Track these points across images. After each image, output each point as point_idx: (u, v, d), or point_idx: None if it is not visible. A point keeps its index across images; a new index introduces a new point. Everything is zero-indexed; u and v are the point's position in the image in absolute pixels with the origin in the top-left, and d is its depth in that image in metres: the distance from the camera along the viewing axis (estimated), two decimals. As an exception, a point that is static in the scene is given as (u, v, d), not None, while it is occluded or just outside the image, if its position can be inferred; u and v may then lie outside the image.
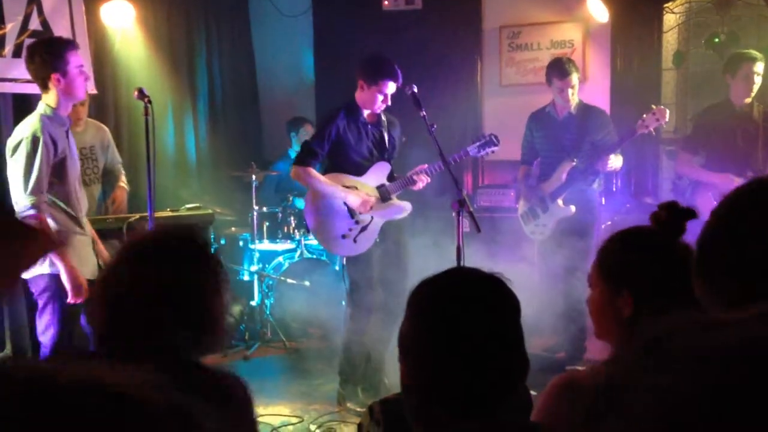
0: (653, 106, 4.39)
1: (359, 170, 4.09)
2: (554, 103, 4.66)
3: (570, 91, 4.51)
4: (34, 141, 3.12)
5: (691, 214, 1.55)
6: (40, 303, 3.24)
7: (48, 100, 3.24)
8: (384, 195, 4.12)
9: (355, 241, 4.07)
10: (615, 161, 4.46)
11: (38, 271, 3.20)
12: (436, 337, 1.24)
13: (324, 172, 4.13)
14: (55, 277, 3.19)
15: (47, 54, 3.19)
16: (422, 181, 4.07)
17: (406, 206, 4.19)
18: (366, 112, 4.05)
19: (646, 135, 4.53)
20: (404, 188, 4.12)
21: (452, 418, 1.23)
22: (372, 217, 4.09)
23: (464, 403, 1.22)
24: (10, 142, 3.21)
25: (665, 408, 0.47)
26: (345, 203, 4.05)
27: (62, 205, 3.24)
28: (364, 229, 4.08)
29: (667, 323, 0.56)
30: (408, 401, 1.30)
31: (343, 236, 4.07)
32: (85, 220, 3.38)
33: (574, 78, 4.51)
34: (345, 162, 4.07)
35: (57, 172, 3.20)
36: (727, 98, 4.54)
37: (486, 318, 1.25)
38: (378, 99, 3.95)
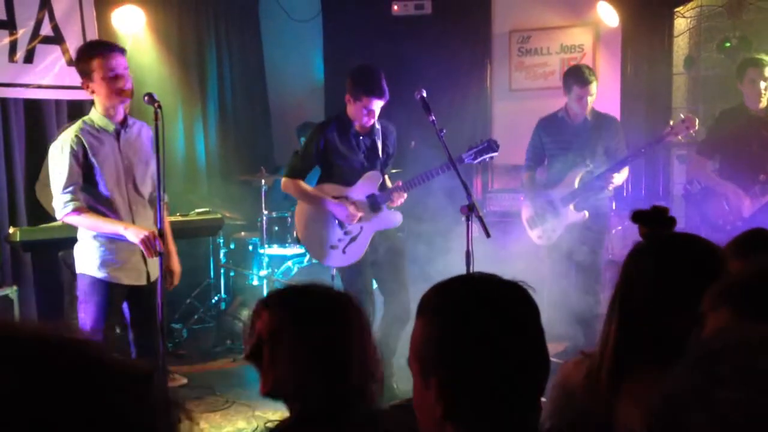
0: (682, 115, 4.37)
1: (350, 180, 4.08)
2: (567, 109, 4.62)
3: (589, 99, 4.48)
4: (62, 146, 3.22)
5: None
6: (79, 300, 3.37)
7: (96, 104, 3.35)
8: (374, 205, 4.09)
9: (344, 252, 4.07)
10: (618, 178, 4.45)
11: (80, 269, 3.34)
12: (470, 343, 1.15)
13: (318, 183, 4.12)
14: (90, 279, 3.30)
15: (79, 64, 3.29)
16: (401, 198, 4.01)
17: (397, 216, 4.16)
18: (357, 124, 4.03)
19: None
20: (390, 200, 4.07)
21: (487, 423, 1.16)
22: (362, 228, 4.07)
23: (503, 411, 1.15)
24: (52, 145, 3.34)
25: (731, 426, 0.45)
26: (333, 215, 4.04)
27: (101, 209, 3.28)
28: (353, 239, 4.07)
29: (728, 336, 0.53)
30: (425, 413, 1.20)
31: (332, 247, 4.06)
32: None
33: (594, 86, 4.47)
34: (335, 172, 4.06)
35: (90, 176, 3.25)
36: (741, 103, 4.52)
37: (523, 321, 1.18)
38: (362, 114, 3.93)
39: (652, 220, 1.58)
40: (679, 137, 4.36)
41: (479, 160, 3.98)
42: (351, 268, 4.07)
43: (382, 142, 4.13)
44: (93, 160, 3.24)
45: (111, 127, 3.31)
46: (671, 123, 4.33)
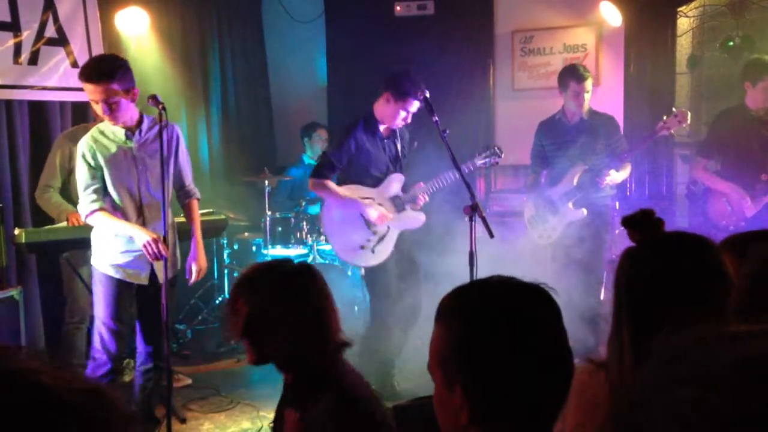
0: (674, 109, 4.38)
1: (375, 182, 4.15)
2: (565, 110, 4.66)
3: (585, 95, 4.51)
4: (80, 148, 3.42)
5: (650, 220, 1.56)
6: (93, 291, 3.57)
7: None
8: (399, 206, 4.18)
9: (373, 251, 4.14)
10: (616, 175, 4.45)
11: (93, 262, 3.51)
12: (493, 348, 1.14)
13: (340, 183, 4.17)
14: (98, 273, 3.47)
15: None
16: (423, 200, 4.19)
17: (421, 217, 4.28)
18: (383, 126, 4.08)
19: (661, 139, 4.52)
20: (415, 202, 4.20)
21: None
22: (388, 228, 4.15)
23: (529, 414, 1.14)
24: None
25: (690, 421, 0.46)
26: (362, 215, 4.08)
27: (110, 211, 3.43)
28: (381, 239, 4.15)
29: (689, 335, 0.54)
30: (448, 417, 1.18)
31: (362, 247, 4.13)
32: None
33: (590, 83, 4.51)
34: (362, 174, 4.12)
35: (102, 180, 3.42)
36: (742, 102, 4.51)
37: (545, 323, 1.18)
38: (400, 115, 4.00)
39: (642, 224, 1.59)
40: (672, 131, 4.37)
41: (486, 163, 4.33)
42: (378, 268, 4.14)
43: (400, 144, 4.23)
44: (102, 164, 3.38)
45: (122, 132, 3.42)
46: (664, 118, 4.33)
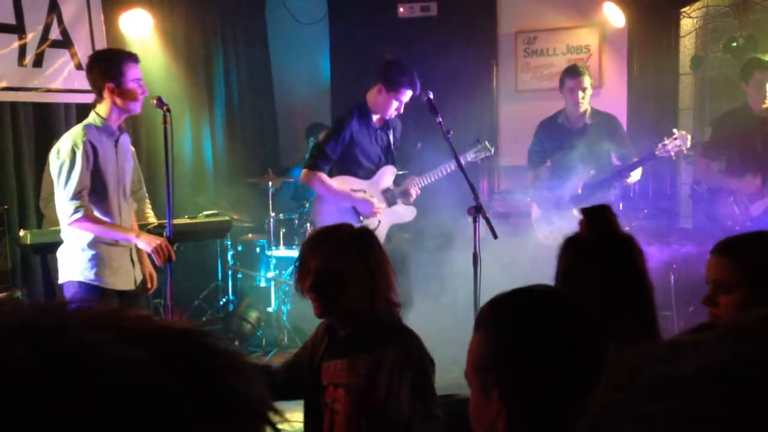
0: (674, 131, 4.36)
1: (367, 174, 4.10)
2: (566, 114, 4.64)
3: (581, 93, 4.48)
4: (74, 148, 3.12)
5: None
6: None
7: (99, 109, 3.24)
8: (390, 199, 4.13)
9: None
10: (635, 175, 4.47)
11: (69, 277, 3.23)
12: (533, 357, 1.15)
13: (332, 175, 4.13)
14: (84, 285, 3.21)
15: (104, 63, 3.22)
16: (415, 193, 4.15)
17: (411, 211, 4.22)
18: (375, 117, 4.04)
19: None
20: (406, 196, 4.14)
21: None
22: (379, 222, 4.10)
23: (567, 423, 1.12)
24: (53, 149, 3.23)
25: None
26: (354, 208, 4.05)
27: (98, 214, 3.21)
28: None
29: (640, 349, 0.54)
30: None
31: None
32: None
33: (586, 80, 4.49)
34: (354, 166, 4.07)
35: (96, 181, 3.19)
36: (745, 103, 4.52)
37: (585, 333, 1.17)
38: (393, 105, 3.95)
39: (599, 219, 1.62)
40: (672, 154, 4.34)
41: (477, 156, 4.34)
42: None
43: (392, 135, 4.18)
44: (101, 163, 3.20)
45: (111, 134, 3.28)
46: (665, 140, 4.31)
